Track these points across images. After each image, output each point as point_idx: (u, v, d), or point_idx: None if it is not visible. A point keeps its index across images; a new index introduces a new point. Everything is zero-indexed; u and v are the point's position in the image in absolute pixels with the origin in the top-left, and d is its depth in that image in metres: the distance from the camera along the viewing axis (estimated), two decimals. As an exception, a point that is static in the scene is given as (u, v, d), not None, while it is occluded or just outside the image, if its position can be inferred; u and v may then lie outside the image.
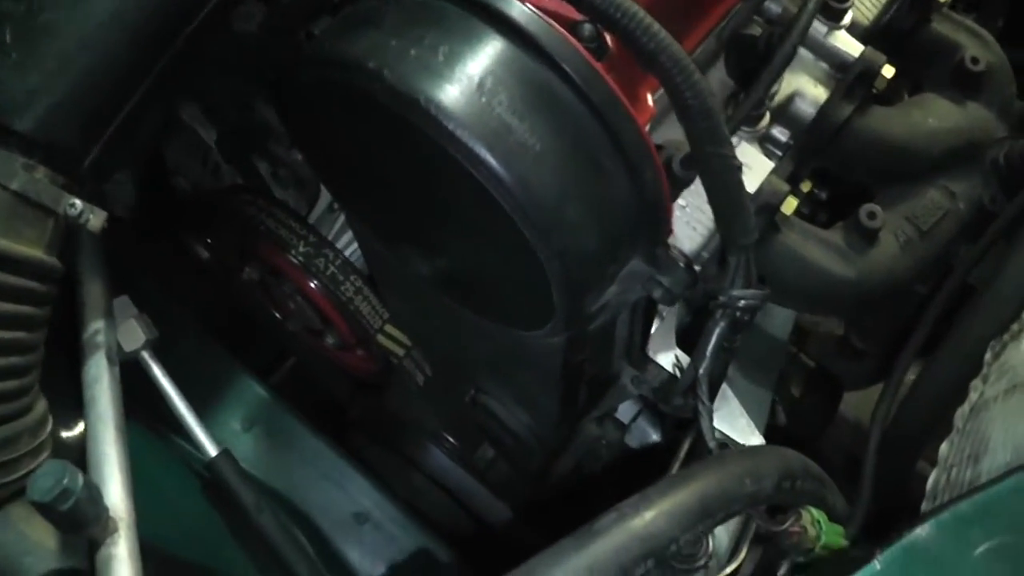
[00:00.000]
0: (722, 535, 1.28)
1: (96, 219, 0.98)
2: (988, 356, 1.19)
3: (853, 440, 1.84)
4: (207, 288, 1.80)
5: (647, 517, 0.86)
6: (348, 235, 1.59)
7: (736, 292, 1.08)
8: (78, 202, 0.97)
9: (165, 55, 1.00)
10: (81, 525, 0.92)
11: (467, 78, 0.91)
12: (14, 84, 0.93)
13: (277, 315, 1.68)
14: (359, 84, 0.94)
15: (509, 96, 0.92)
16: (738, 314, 1.10)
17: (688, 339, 1.31)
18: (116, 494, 0.99)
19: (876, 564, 0.84)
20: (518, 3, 0.93)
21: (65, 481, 0.87)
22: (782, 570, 1.17)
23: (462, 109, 0.90)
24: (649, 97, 1.12)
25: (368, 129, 1.02)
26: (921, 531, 0.85)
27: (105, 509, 0.96)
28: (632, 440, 1.61)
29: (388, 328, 1.59)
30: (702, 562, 1.27)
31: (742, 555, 1.23)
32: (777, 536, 1.10)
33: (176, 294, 1.66)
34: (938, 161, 1.44)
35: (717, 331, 1.11)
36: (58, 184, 0.96)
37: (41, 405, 1.03)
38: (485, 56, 0.92)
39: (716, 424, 1.24)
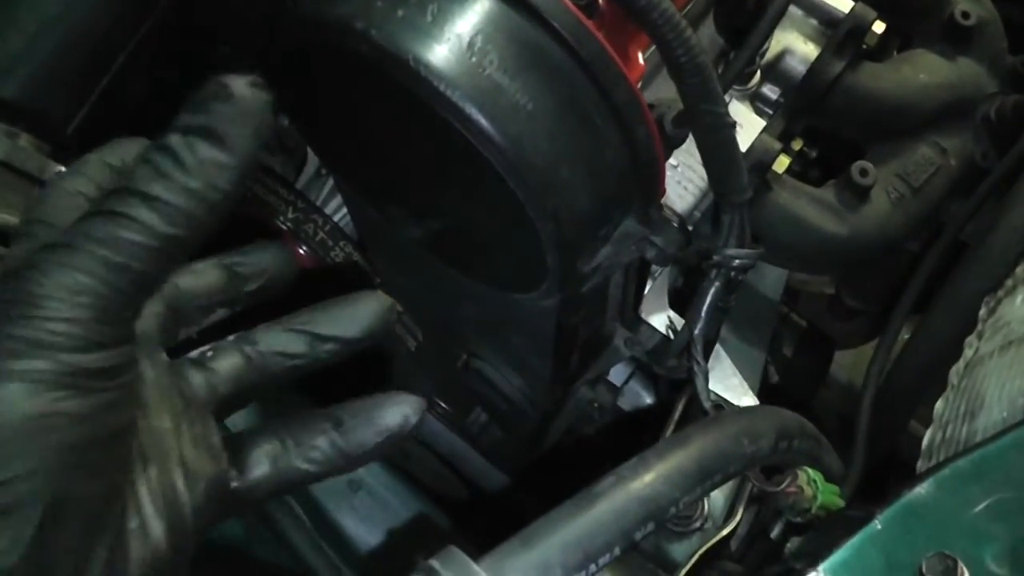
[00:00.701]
0: (717, 496, 1.28)
1: (82, 187, 0.97)
2: (983, 312, 1.18)
3: (845, 401, 1.84)
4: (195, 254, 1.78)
5: (646, 480, 0.86)
6: (337, 200, 1.58)
7: (730, 251, 1.08)
8: (64, 170, 0.95)
9: (148, 18, 0.98)
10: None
11: (456, 37, 0.90)
12: (-4, 50, 0.91)
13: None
14: (346, 46, 0.92)
15: (500, 55, 0.90)
16: (733, 273, 1.10)
17: (681, 300, 1.31)
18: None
19: (877, 524, 0.83)
20: (507, -40, 0.91)
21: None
22: (776, 529, 1.17)
23: (452, 69, 0.89)
24: (640, 55, 1.11)
25: (356, 91, 1.01)
26: (921, 489, 0.85)
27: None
28: (625, 402, 1.61)
29: (379, 294, 1.58)
30: (698, 524, 1.27)
31: (738, 516, 1.24)
32: (774, 496, 1.10)
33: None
34: (929, 117, 1.43)
35: (712, 291, 1.11)
36: (43, 152, 0.95)
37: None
38: (474, 14, 0.91)
39: (710, 386, 1.24)
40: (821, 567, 0.82)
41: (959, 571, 0.79)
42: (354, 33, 0.91)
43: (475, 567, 0.78)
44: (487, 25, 0.91)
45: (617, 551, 0.82)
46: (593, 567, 0.81)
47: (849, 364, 1.87)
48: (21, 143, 0.93)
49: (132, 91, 1.04)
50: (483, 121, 0.89)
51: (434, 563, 0.79)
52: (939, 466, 0.86)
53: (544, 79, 0.92)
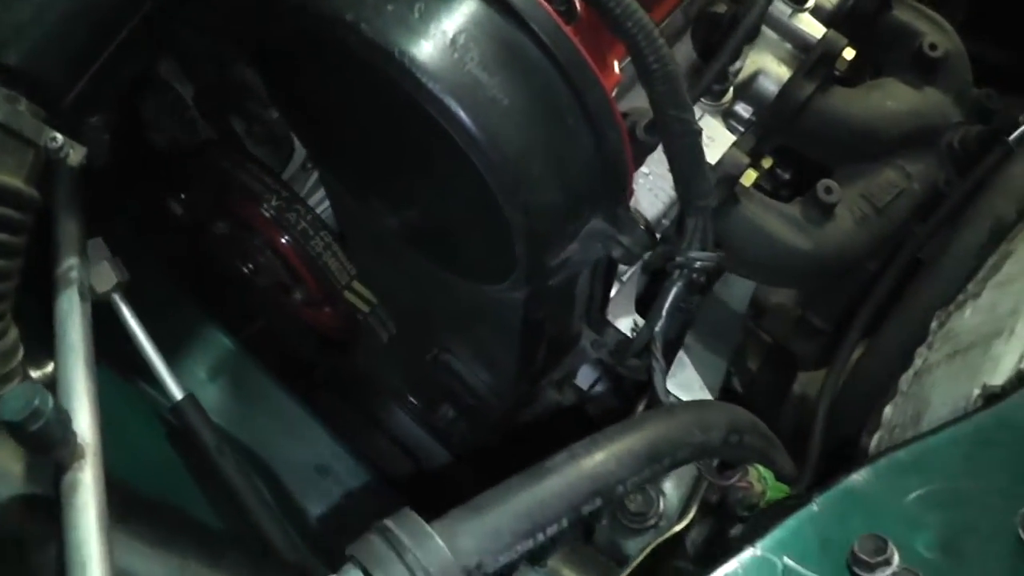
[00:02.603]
0: (672, 496, 1.32)
1: (76, 154, 1.01)
2: (934, 325, 1.23)
3: (801, 419, 1.87)
4: (178, 245, 1.82)
5: (597, 458, 0.90)
6: (319, 194, 1.62)
7: (693, 253, 1.12)
8: (59, 136, 0.99)
9: (150, -4, 1.02)
10: (49, 447, 0.94)
11: (441, 34, 0.94)
12: (2, 19, 0.95)
13: (246, 270, 1.70)
14: (336, 36, 0.96)
15: (480, 53, 0.95)
16: (695, 275, 1.14)
17: (647, 305, 1.35)
18: (84, 422, 1.01)
19: (814, 506, 0.88)
20: (492, -35, 0.96)
21: (36, 402, 0.89)
22: (734, 531, 1.21)
23: (435, 63, 0.93)
24: (616, 65, 1.15)
25: (343, 81, 1.05)
26: (858, 476, 0.89)
27: (73, 434, 0.97)
28: (590, 406, 1.65)
29: (355, 284, 1.62)
30: (652, 521, 1.31)
31: (690, 514, 1.28)
32: (725, 491, 1.14)
33: (145, 247, 1.68)
34: (895, 142, 1.48)
35: (674, 291, 1.15)
36: (40, 117, 0.98)
37: (13, 333, 1.05)
38: (459, 14, 0.96)
39: (671, 388, 1.28)
40: (758, 544, 0.86)
41: (890, 551, 0.83)
42: (344, 24, 0.95)
43: (428, 528, 0.82)
44: (470, 24, 0.96)
45: (565, 523, 0.86)
46: (541, 536, 0.85)
47: (806, 382, 1.90)
48: (20, 108, 0.96)
49: (129, 67, 1.08)
50: (461, 113, 0.94)
51: (389, 523, 0.83)
52: (878, 455, 0.91)
53: (521, 78, 0.97)
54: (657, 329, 1.16)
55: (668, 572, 1.23)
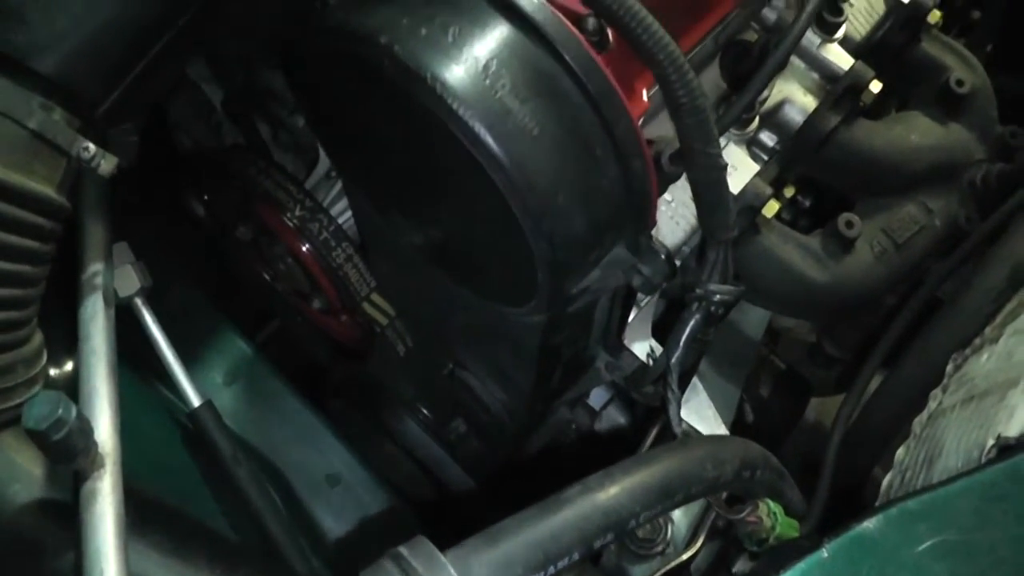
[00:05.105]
0: (680, 524, 1.33)
1: (107, 164, 1.01)
2: (950, 368, 1.23)
3: (811, 446, 1.88)
4: (198, 245, 1.83)
5: (611, 492, 0.91)
6: (342, 204, 1.62)
7: (712, 286, 1.13)
8: (92, 146, 1.00)
9: (186, 13, 1.03)
10: (71, 456, 0.95)
11: (473, 59, 0.95)
12: (41, 26, 0.95)
13: (266, 276, 1.71)
14: (369, 57, 0.97)
15: (512, 80, 0.95)
16: (713, 308, 1.15)
17: (663, 330, 1.35)
18: (105, 430, 1.02)
19: (824, 552, 0.88)
20: (527, -8, 0.97)
21: (60, 411, 0.89)
22: (738, 564, 1.21)
23: (466, 89, 0.94)
24: (644, 92, 1.16)
25: (373, 101, 1.06)
26: (869, 524, 0.89)
27: (94, 443, 0.98)
28: (602, 426, 1.66)
29: (374, 297, 1.63)
30: (660, 548, 1.32)
31: (699, 543, 1.28)
32: (733, 524, 1.14)
33: (168, 247, 1.69)
34: (917, 177, 1.49)
35: (691, 323, 1.15)
36: (74, 127, 0.99)
37: (38, 338, 1.06)
38: (492, 40, 0.96)
39: (684, 415, 1.29)
40: (767, 587, 0.86)
41: (898, 603, 0.83)
42: (378, 46, 0.96)
43: (441, 557, 0.82)
44: (503, 51, 0.96)
45: (576, 556, 0.87)
46: (552, 569, 0.86)
47: (816, 409, 1.91)
48: (55, 116, 0.96)
49: (162, 81, 1.09)
50: (490, 141, 0.94)
51: (403, 550, 0.83)
52: (889, 504, 0.91)
53: (551, 107, 0.97)
54: (673, 360, 1.17)
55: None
